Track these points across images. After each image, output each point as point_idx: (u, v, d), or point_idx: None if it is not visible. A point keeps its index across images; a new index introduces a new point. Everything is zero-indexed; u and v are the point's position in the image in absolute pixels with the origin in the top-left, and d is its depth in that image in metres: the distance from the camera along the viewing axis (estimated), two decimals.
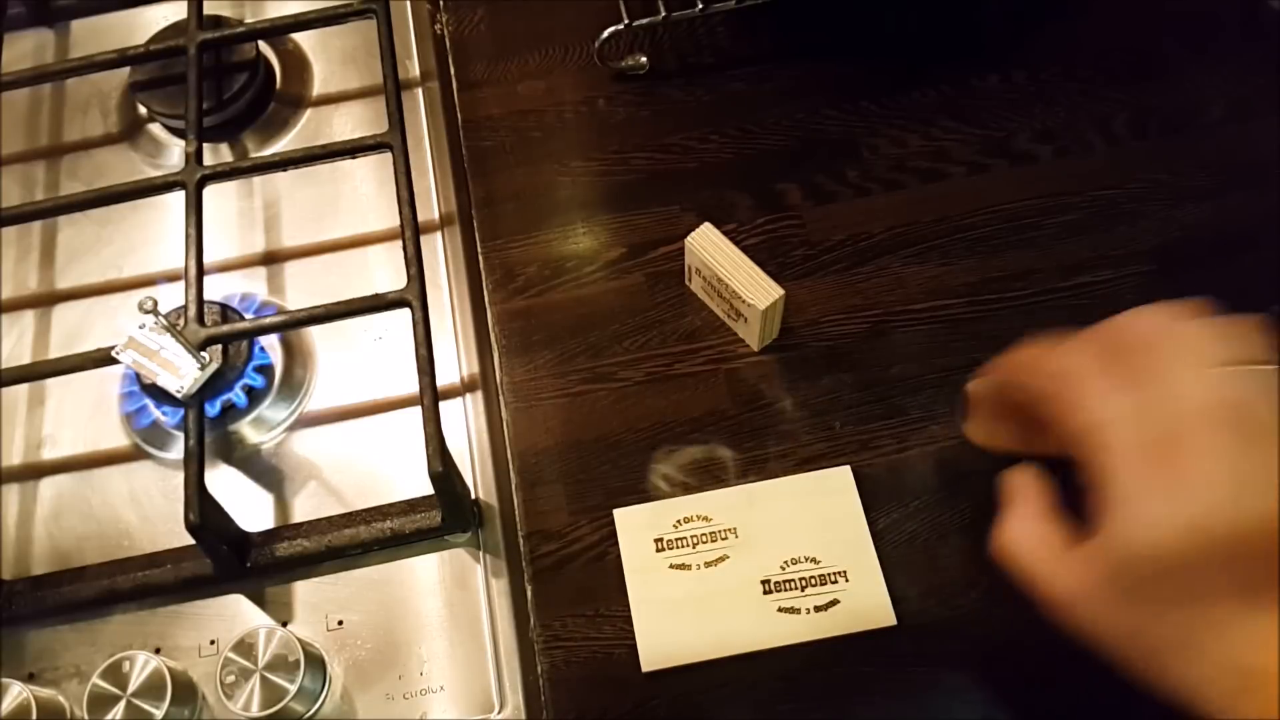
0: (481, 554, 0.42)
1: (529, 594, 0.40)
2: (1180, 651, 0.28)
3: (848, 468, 0.41)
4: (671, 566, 0.39)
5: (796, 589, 0.39)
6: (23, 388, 0.46)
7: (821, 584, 0.39)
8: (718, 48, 0.53)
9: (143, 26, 0.56)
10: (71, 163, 0.53)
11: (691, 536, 0.40)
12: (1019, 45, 0.51)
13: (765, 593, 0.39)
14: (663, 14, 0.49)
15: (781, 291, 0.41)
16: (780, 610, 0.38)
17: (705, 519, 0.40)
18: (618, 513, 0.41)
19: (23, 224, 0.49)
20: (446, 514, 0.41)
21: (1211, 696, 0.27)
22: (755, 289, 0.41)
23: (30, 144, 0.54)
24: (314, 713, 0.39)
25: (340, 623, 0.41)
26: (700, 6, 0.49)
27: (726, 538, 0.40)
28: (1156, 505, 0.27)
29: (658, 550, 0.40)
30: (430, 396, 0.39)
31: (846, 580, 0.39)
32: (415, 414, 0.40)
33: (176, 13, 0.53)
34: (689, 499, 0.41)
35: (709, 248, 0.42)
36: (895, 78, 0.51)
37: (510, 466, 0.43)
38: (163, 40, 0.51)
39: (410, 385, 0.41)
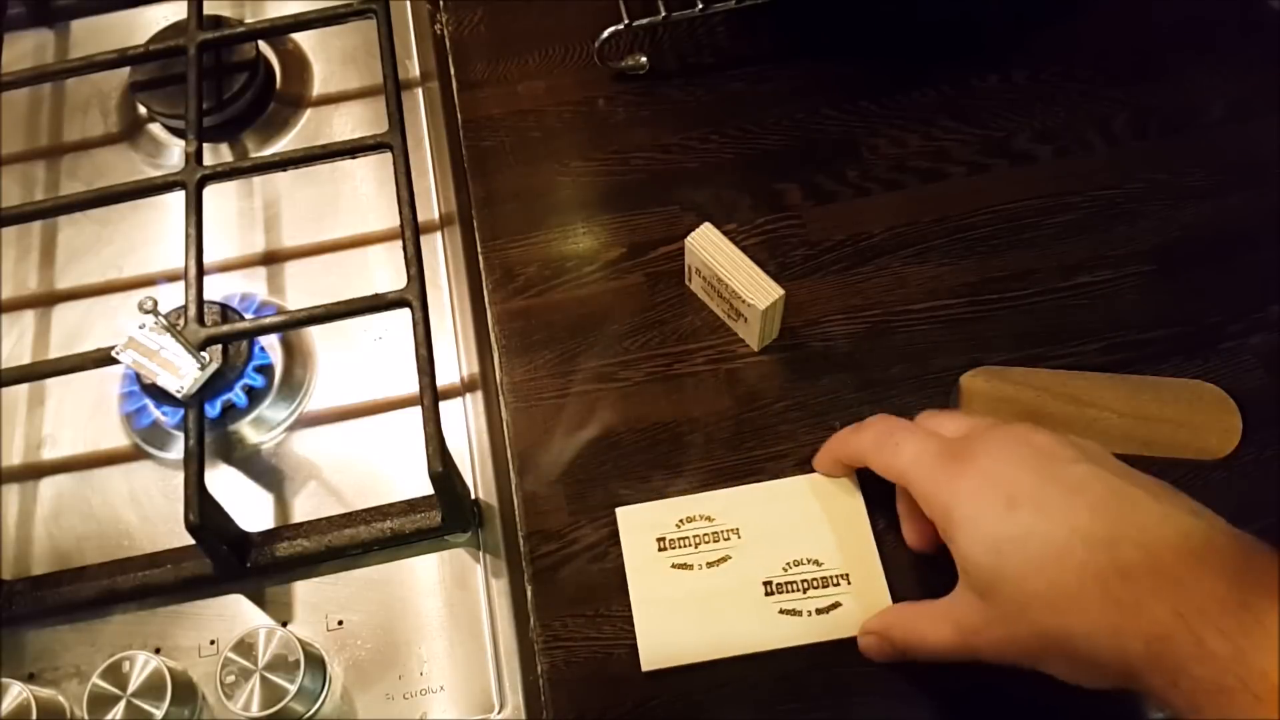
0: (481, 554, 0.42)
1: (529, 594, 0.40)
2: (1054, 615, 0.30)
3: (852, 470, 0.41)
4: (673, 566, 0.39)
5: (798, 591, 0.39)
6: (23, 388, 0.46)
7: (824, 586, 0.39)
8: (718, 48, 0.53)
9: (143, 26, 0.56)
10: (71, 163, 0.53)
11: (694, 536, 0.40)
12: (1019, 45, 0.51)
13: (767, 594, 0.39)
14: (663, 14, 0.49)
15: (781, 291, 0.41)
16: (782, 612, 0.38)
17: (708, 519, 0.40)
18: (620, 511, 0.41)
19: (23, 224, 0.49)
20: (446, 514, 0.41)
21: (1092, 637, 0.29)
22: (755, 289, 0.41)
23: (30, 144, 0.54)
24: (314, 713, 0.39)
25: (340, 623, 0.41)
26: (700, 6, 0.49)
27: (729, 538, 0.40)
28: (974, 499, 0.32)
29: (660, 549, 0.40)
30: (430, 396, 0.39)
31: (849, 583, 0.39)
32: (415, 414, 0.40)
33: (176, 13, 0.53)
34: (692, 498, 0.41)
35: (709, 248, 0.42)
36: (895, 78, 0.51)
37: (510, 466, 0.43)
38: (163, 40, 0.51)
39: (410, 385, 0.41)
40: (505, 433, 0.44)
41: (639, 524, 0.40)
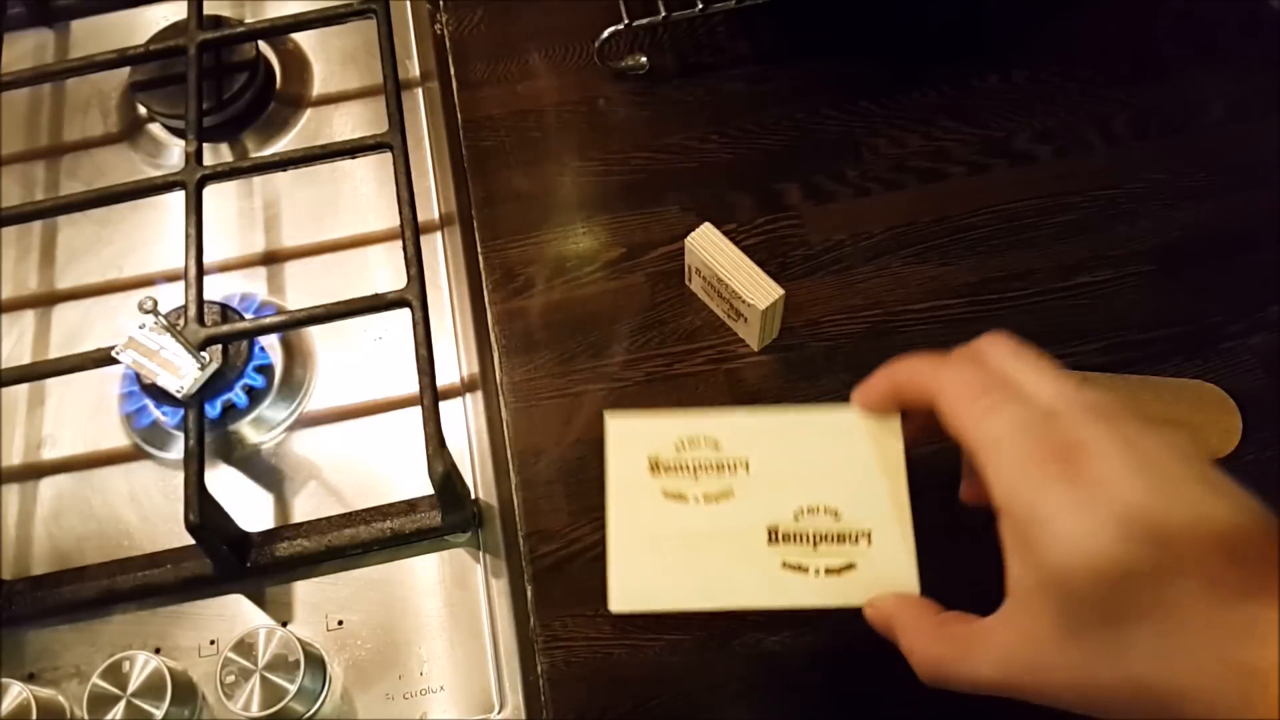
0: (481, 554, 0.42)
1: (529, 594, 0.40)
2: (1163, 667, 0.25)
3: (899, 409, 0.34)
4: (665, 494, 0.33)
5: (808, 543, 0.32)
6: (23, 388, 0.46)
7: (839, 542, 0.32)
8: (718, 48, 0.53)
9: (143, 26, 0.56)
10: (71, 163, 0.53)
11: (694, 463, 0.34)
12: (1019, 45, 0.51)
13: (771, 543, 0.33)
14: (663, 14, 0.49)
15: (781, 291, 0.41)
16: (785, 566, 0.32)
17: (714, 444, 0.34)
18: (610, 417, 0.34)
19: (23, 224, 0.49)
20: (446, 514, 0.41)
21: (1216, 706, 0.24)
22: (755, 289, 0.41)
23: (30, 144, 0.54)
24: (314, 713, 0.39)
25: (340, 623, 0.41)
26: (700, 6, 0.49)
27: (735, 471, 0.34)
28: (1079, 516, 0.25)
29: (652, 472, 0.33)
30: (430, 396, 0.39)
31: (869, 543, 0.32)
32: (415, 414, 0.40)
33: (176, 13, 0.53)
34: (699, 417, 0.34)
35: (709, 248, 0.42)
36: (895, 77, 0.51)
37: (510, 466, 0.43)
38: (163, 40, 0.51)
39: (410, 385, 0.41)
40: (505, 433, 0.44)
41: (631, 437, 0.34)
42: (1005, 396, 0.28)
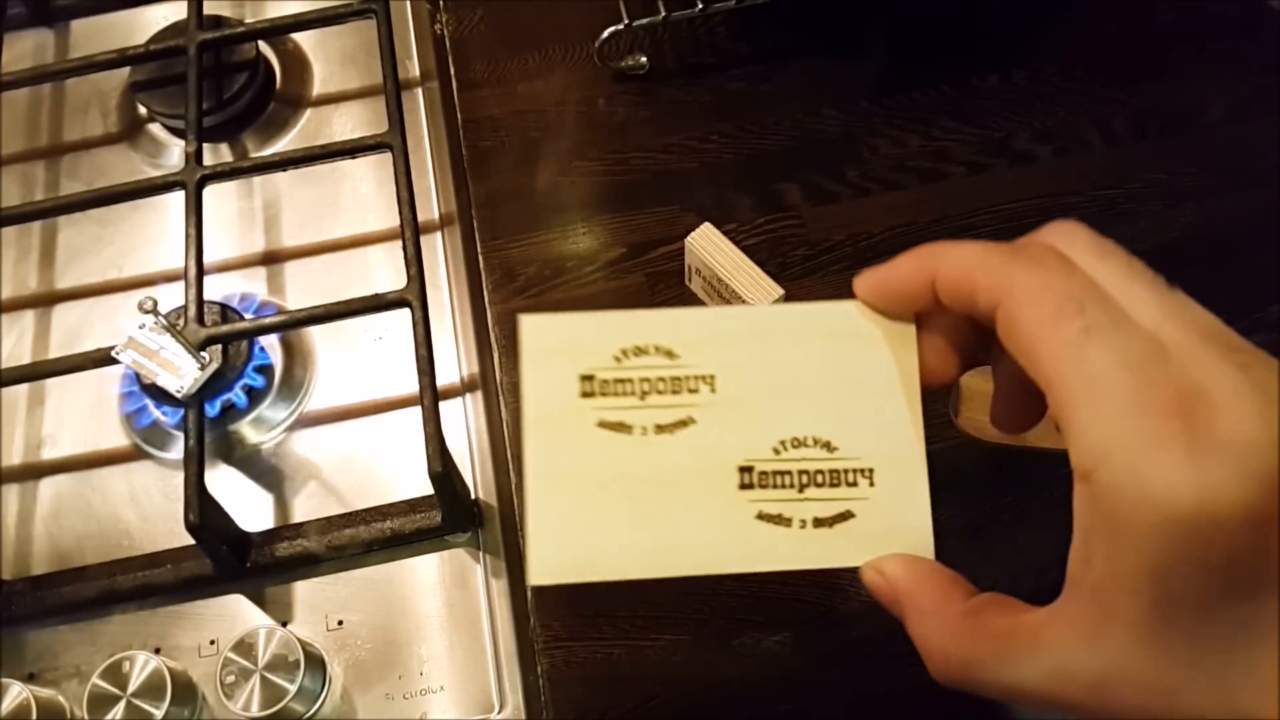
0: (481, 554, 0.42)
1: (529, 594, 0.40)
2: (1259, 655, 0.19)
3: (917, 310, 0.26)
4: (602, 424, 0.25)
5: (792, 487, 0.25)
6: (23, 387, 0.46)
7: (832, 484, 0.25)
8: (718, 47, 0.53)
9: (143, 26, 0.56)
10: (71, 163, 0.53)
11: (641, 380, 0.25)
12: (1019, 45, 0.51)
13: (743, 486, 0.25)
14: (663, 14, 0.49)
15: (781, 291, 0.41)
16: (761, 518, 0.25)
17: (668, 354, 0.25)
18: (525, 319, 0.26)
19: (23, 224, 0.49)
20: (446, 514, 0.41)
21: None
22: (755, 289, 0.41)
23: (30, 144, 0.54)
24: (314, 713, 0.39)
25: (340, 623, 0.41)
26: (700, 6, 0.49)
27: (697, 390, 0.25)
28: (1202, 488, 0.18)
29: (584, 394, 0.25)
30: (430, 396, 0.39)
31: (871, 483, 0.25)
32: (415, 414, 0.40)
33: (176, 13, 0.53)
34: (648, 316, 0.26)
35: (709, 248, 0.42)
36: (895, 77, 0.51)
37: (510, 466, 0.43)
38: (163, 40, 0.51)
39: (410, 385, 0.41)
40: (505, 433, 0.44)
41: (555, 344, 0.25)
42: (1104, 317, 0.20)
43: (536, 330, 0.25)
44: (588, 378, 0.25)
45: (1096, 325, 0.20)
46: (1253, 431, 0.19)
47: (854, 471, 0.25)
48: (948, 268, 0.23)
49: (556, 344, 0.26)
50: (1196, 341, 0.20)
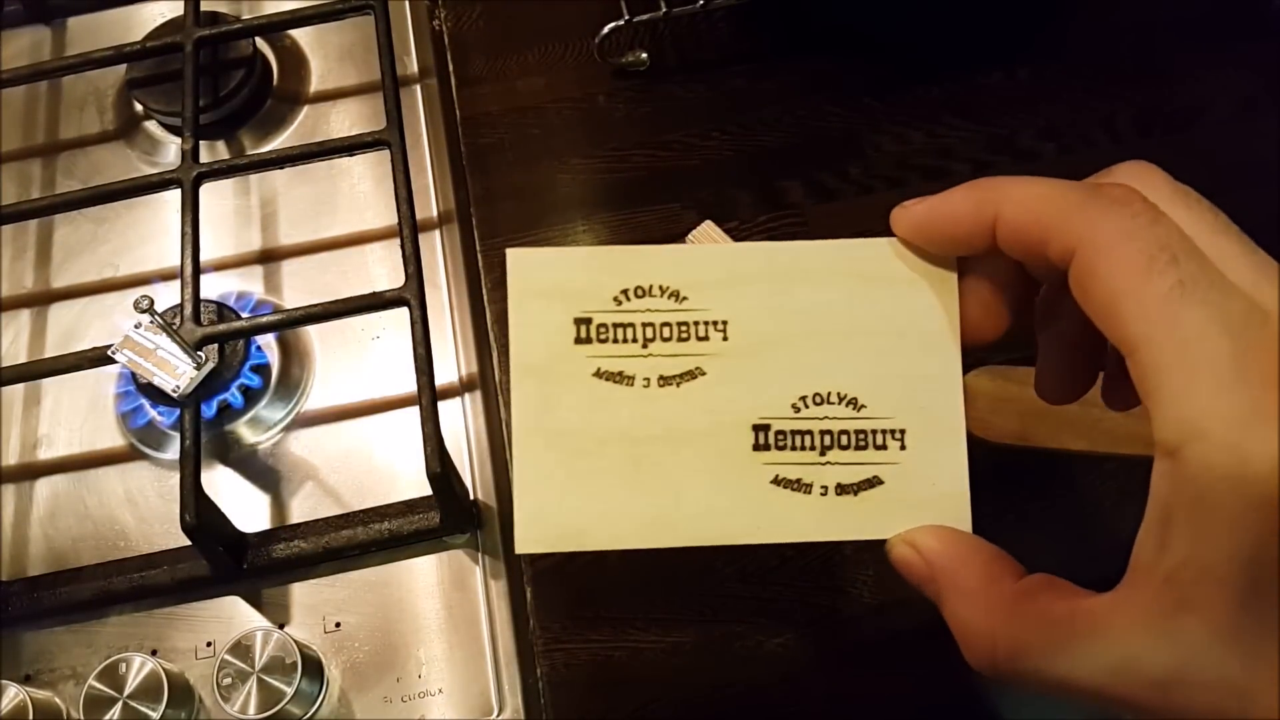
0: (480, 555, 0.42)
1: (528, 596, 0.40)
2: None
3: (965, 254, 0.23)
4: (600, 374, 0.22)
5: (813, 449, 0.22)
6: (18, 387, 0.46)
7: (859, 446, 0.22)
8: (719, 44, 0.52)
9: (139, 23, 0.56)
10: (68, 160, 0.53)
11: (644, 325, 0.23)
12: (1023, 42, 0.51)
13: (757, 447, 0.22)
14: (664, 9, 0.48)
15: None
16: (777, 483, 0.22)
17: (674, 295, 0.23)
18: (512, 253, 0.23)
19: (18, 222, 0.48)
20: (445, 515, 0.41)
21: None
22: None
23: (26, 142, 0.54)
24: (311, 715, 0.38)
25: (338, 625, 0.40)
26: (701, 2, 0.48)
27: (707, 336, 0.23)
28: None
29: (579, 339, 0.22)
30: (428, 396, 0.39)
31: (903, 446, 0.22)
32: (413, 414, 0.40)
33: (173, 9, 0.52)
34: (653, 252, 0.23)
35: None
36: (898, 74, 0.50)
37: (510, 467, 0.42)
38: (159, 37, 0.51)
39: (408, 385, 0.41)
40: (504, 433, 0.43)
41: (546, 285, 0.23)
42: (1199, 272, 0.18)
43: (525, 266, 0.22)
44: (583, 321, 0.22)
45: (1192, 281, 0.18)
46: None
47: (883, 433, 0.23)
48: (1014, 206, 0.20)
49: (548, 283, 0.22)
50: None
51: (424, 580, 0.41)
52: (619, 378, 0.22)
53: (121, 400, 0.45)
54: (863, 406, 0.23)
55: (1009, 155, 0.48)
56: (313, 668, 0.38)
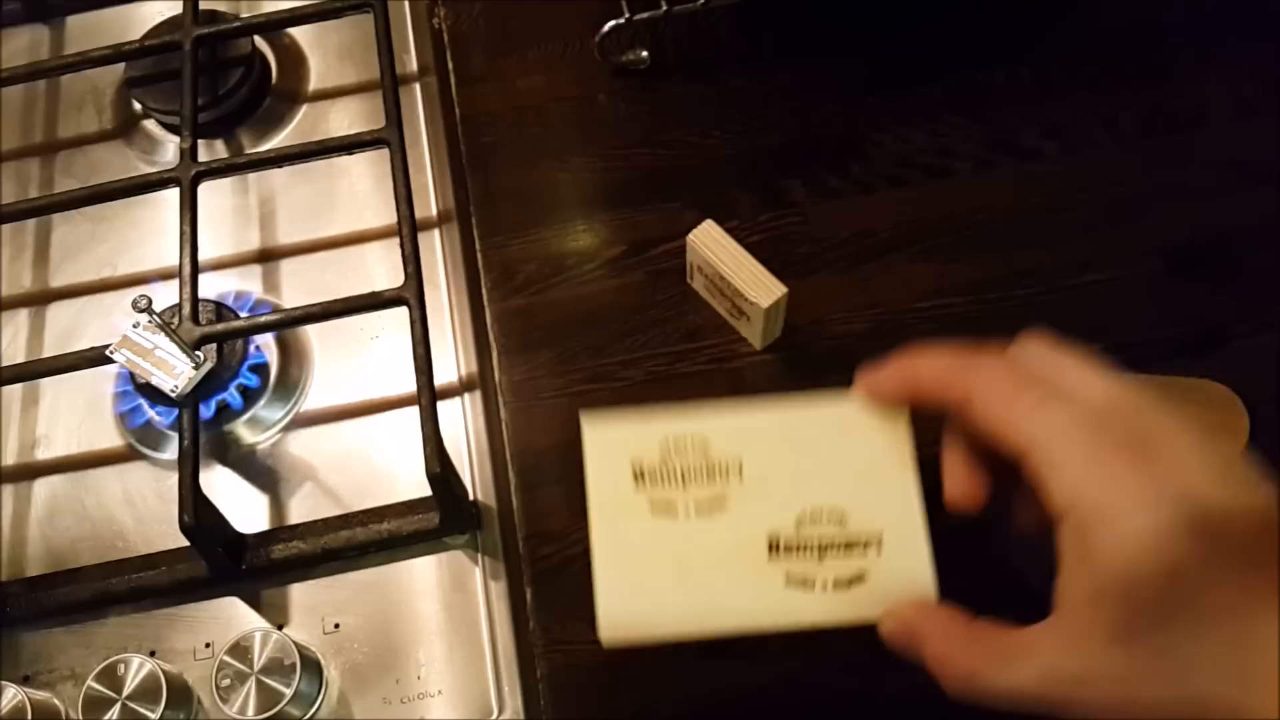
0: (480, 556, 0.41)
1: (528, 596, 0.40)
2: (1232, 684, 0.23)
3: (907, 405, 0.32)
4: (652, 507, 0.31)
5: (812, 555, 0.30)
6: (16, 387, 0.46)
7: (847, 552, 0.30)
8: (720, 42, 0.52)
9: (138, 22, 0.56)
10: (66, 159, 0.53)
11: (682, 469, 0.31)
12: (1025, 41, 0.51)
13: (772, 556, 0.30)
14: (664, 8, 0.48)
15: (784, 290, 0.41)
16: (790, 582, 0.30)
17: (703, 447, 0.31)
18: (586, 419, 0.32)
19: (17, 221, 0.48)
20: (444, 515, 0.40)
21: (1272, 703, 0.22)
22: (758, 287, 0.41)
23: (25, 141, 0.54)
24: (310, 716, 0.38)
25: (337, 626, 0.40)
26: (702, 0, 0.48)
27: (728, 475, 0.31)
28: (1154, 510, 0.23)
29: (636, 482, 0.31)
30: (428, 396, 0.39)
31: (880, 549, 0.30)
32: (413, 414, 0.39)
33: (172, 8, 0.52)
34: (684, 417, 0.32)
35: (711, 245, 0.42)
36: (900, 73, 0.50)
37: (509, 467, 0.42)
38: (158, 36, 0.51)
39: (408, 385, 0.41)
40: (504, 433, 0.43)
41: (611, 444, 0.31)
42: (1052, 393, 0.26)
43: (597, 435, 0.32)
44: (639, 470, 0.31)
45: (1051, 395, 0.26)
46: (1194, 462, 0.24)
47: (865, 539, 0.30)
48: (923, 375, 0.29)
49: (613, 444, 0.32)
50: (1142, 401, 0.25)
51: (423, 581, 0.41)
52: (667, 509, 0.31)
53: (120, 400, 0.45)
54: (847, 521, 0.30)
55: (1011, 154, 0.48)
56: (311, 669, 0.38)
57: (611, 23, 0.48)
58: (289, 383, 0.46)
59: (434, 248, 0.49)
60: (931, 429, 0.31)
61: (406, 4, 0.56)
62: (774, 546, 0.30)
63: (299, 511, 0.43)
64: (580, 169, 0.49)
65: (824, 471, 0.31)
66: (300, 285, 0.48)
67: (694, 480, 0.31)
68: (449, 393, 0.45)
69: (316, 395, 0.46)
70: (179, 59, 0.48)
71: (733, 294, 0.42)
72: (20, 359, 0.47)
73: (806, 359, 0.44)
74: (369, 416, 0.45)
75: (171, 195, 0.45)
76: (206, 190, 0.45)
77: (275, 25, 0.51)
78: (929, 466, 0.32)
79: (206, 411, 0.43)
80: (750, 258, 0.41)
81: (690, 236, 0.42)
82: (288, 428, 0.45)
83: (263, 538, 0.41)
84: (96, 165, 0.53)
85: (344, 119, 0.53)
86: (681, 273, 0.46)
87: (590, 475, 0.31)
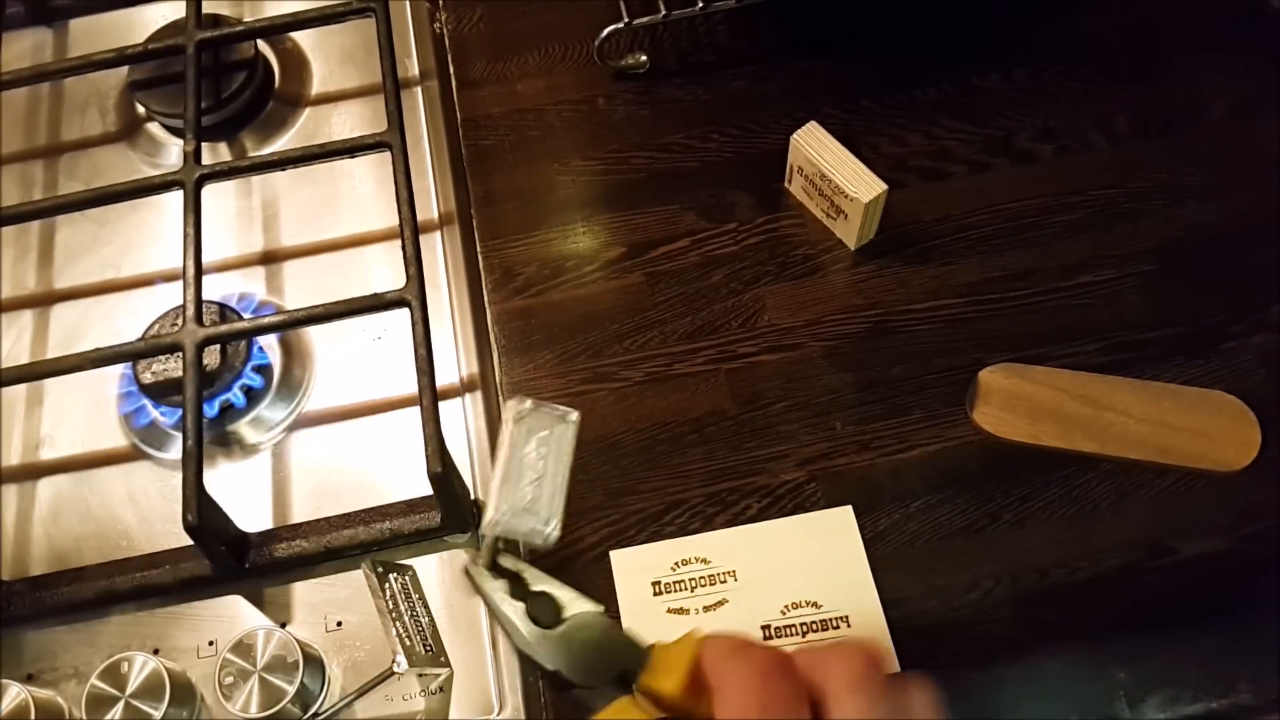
0: None
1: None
2: None
3: (849, 508, 0.40)
4: (669, 611, 0.39)
5: (798, 634, 0.38)
6: (21, 388, 0.46)
7: (823, 629, 0.38)
8: (718, 46, 0.52)
9: (141, 25, 0.56)
10: (70, 162, 0.53)
11: (690, 579, 0.40)
12: (1020, 44, 0.51)
13: (766, 638, 0.38)
14: (663, 12, 0.49)
15: (885, 187, 0.42)
16: None
17: (704, 561, 0.40)
18: (615, 554, 0.40)
19: (21, 224, 0.49)
20: (446, 515, 0.41)
21: None
22: (859, 183, 0.42)
23: (29, 143, 0.54)
24: (312, 714, 0.39)
25: (339, 624, 0.40)
26: (701, 5, 0.48)
27: (726, 580, 0.39)
28: None
29: (655, 594, 0.39)
30: (429, 397, 0.39)
31: (848, 625, 0.38)
32: (414, 414, 0.40)
33: (175, 11, 0.52)
34: (687, 540, 0.40)
35: (814, 144, 0.43)
36: (896, 76, 0.51)
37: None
38: (161, 39, 0.51)
39: (409, 385, 0.41)
40: None
41: (634, 567, 0.40)
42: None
43: (623, 560, 0.40)
44: (656, 582, 0.40)
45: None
46: None
47: (836, 619, 0.39)
48: (704, 657, 0.28)
49: (635, 565, 0.40)
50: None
51: (425, 580, 0.41)
52: (680, 611, 0.39)
53: (124, 400, 0.45)
54: (821, 606, 0.39)
55: (1007, 157, 0.49)
56: (314, 666, 0.38)
57: (611, 27, 0.49)
58: (292, 383, 0.46)
59: (435, 250, 0.49)
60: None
61: (408, 8, 0.56)
62: (767, 631, 0.38)
63: (302, 511, 0.43)
64: (580, 172, 0.50)
65: (800, 570, 0.39)
66: (303, 287, 0.49)
67: (700, 586, 0.39)
68: (450, 393, 0.45)
69: (319, 395, 0.46)
70: (182, 62, 0.48)
71: (832, 192, 0.43)
72: (24, 360, 0.47)
73: (804, 360, 0.44)
74: (371, 416, 0.45)
75: (175, 198, 0.45)
76: (210, 193, 0.45)
77: (278, 29, 0.52)
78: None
79: (210, 411, 0.43)
80: (852, 157, 0.43)
81: (794, 136, 0.43)
82: (291, 428, 0.45)
83: (266, 537, 0.42)
84: (100, 168, 0.53)
85: (346, 122, 0.53)
86: (682, 273, 0.46)
87: (620, 591, 0.40)
